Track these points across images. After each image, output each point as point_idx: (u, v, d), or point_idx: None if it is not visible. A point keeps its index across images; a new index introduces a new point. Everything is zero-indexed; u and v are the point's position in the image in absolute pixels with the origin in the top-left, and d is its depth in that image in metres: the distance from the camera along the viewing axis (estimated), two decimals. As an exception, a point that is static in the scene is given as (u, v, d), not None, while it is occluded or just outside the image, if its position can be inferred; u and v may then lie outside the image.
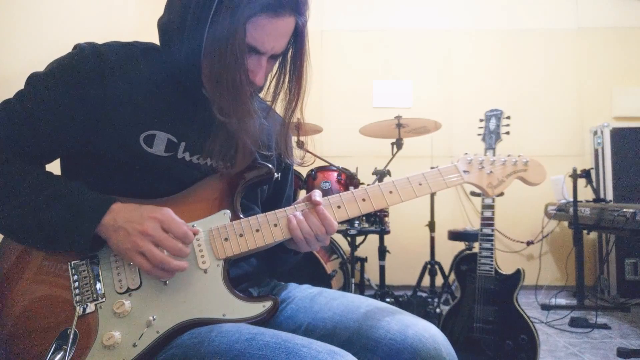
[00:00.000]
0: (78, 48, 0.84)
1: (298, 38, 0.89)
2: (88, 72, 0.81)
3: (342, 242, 2.81)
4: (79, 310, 0.77)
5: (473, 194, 3.24)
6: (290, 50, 0.92)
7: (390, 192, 0.91)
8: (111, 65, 0.82)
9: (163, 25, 0.87)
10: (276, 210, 0.88)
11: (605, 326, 2.64)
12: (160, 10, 0.89)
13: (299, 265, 1.08)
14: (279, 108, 0.96)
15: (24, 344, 0.76)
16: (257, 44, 0.82)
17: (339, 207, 0.90)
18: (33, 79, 0.83)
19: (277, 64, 0.93)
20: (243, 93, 0.82)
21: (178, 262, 0.78)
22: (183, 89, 0.88)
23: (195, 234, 0.81)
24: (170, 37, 0.85)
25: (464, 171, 0.96)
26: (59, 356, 0.73)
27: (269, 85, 0.94)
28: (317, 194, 0.89)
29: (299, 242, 0.87)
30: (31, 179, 0.80)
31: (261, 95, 0.96)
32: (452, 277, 2.79)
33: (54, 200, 0.78)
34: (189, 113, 0.89)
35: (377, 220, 2.45)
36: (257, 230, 0.86)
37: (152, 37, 0.94)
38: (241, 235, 0.85)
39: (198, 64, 0.81)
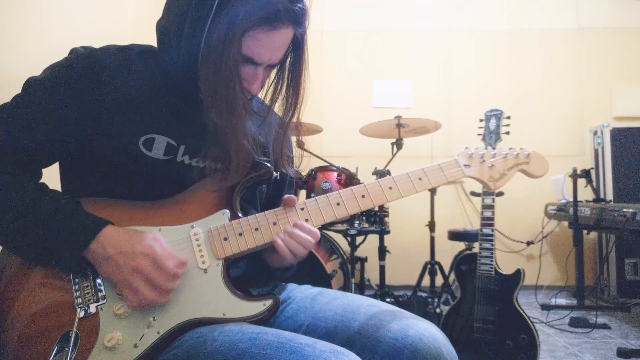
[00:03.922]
0: (74, 53, 0.83)
1: (297, 47, 0.89)
2: (84, 76, 0.81)
3: (342, 242, 2.81)
4: (79, 312, 0.77)
5: (473, 194, 3.23)
6: (289, 58, 0.91)
7: (390, 187, 0.90)
8: (108, 69, 0.82)
9: (161, 29, 0.87)
10: (275, 209, 0.88)
11: (605, 326, 2.64)
12: (158, 15, 0.88)
13: (299, 266, 1.08)
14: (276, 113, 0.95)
15: (27, 347, 0.76)
16: (253, 55, 0.82)
17: (338, 204, 0.89)
18: (30, 84, 0.82)
19: (275, 70, 0.92)
20: (237, 102, 0.82)
21: (166, 298, 0.78)
22: (181, 92, 0.88)
23: (184, 264, 0.81)
24: (168, 41, 0.85)
25: (465, 165, 0.95)
26: (61, 358, 0.73)
27: (267, 91, 0.93)
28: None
29: (288, 257, 0.87)
30: (23, 195, 0.79)
31: (260, 97, 0.96)
32: (452, 277, 2.79)
33: (43, 221, 0.77)
34: (187, 116, 0.89)
35: (377, 220, 2.45)
36: (257, 229, 0.86)
37: (151, 40, 0.94)
38: (240, 235, 0.85)
39: (195, 69, 0.81)
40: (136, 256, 0.77)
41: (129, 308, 0.78)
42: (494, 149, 0.98)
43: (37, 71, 0.85)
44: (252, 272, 0.98)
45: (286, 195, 0.90)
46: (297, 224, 0.87)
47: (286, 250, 0.86)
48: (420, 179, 0.92)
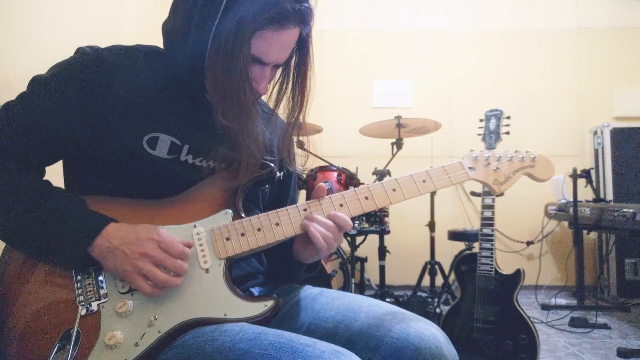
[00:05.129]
0: (80, 52, 0.84)
1: (302, 47, 0.90)
2: (90, 75, 0.81)
3: (342, 242, 2.81)
4: (81, 310, 0.77)
5: (473, 193, 3.24)
6: (294, 58, 0.92)
7: (394, 189, 0.90)
8: (113, 68, 0.82)
9: (167, 30, 0.87)
10: (278, 210, 0.88)
11: (605, 326, 2.64)
12: (160, 15, 0.89)
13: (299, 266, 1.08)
14: (282, 113, 0.96)
15: (29, 344, 0.76)
16: (262, 55, 0.83)
17: (341, 205, 0.89)
18: (35, 82, 0.83)
19: (279, 70, 0.93)
20: (246, 102, 0.82)
21: (179, 280, 0.78)
22: (186, 92, 0.88)
23: (189, 246, 0.81)
24: (174, 42, 0.85)
25: (470, 168, 0.94)
26: (62, 356, 0.73)
27: (272, 91, 0.94)
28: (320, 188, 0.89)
29: (321, 248, 0.86)
30: (28, 192, 0.79)
31: (264, 99, 0.96)
32: (452, 277, 2.79)
33: (47, 219, 0.77)
34: (192, 116, 0.89)
35: (377, 220, 2.45)
36: (259, 230, 0.86)
37: (152, 41, 0.94)
38: (243, 235, 0.85)
39: (202, 70, 0.81)
40: (142, 242, 0.77)
41: (132, 307, 0.78)
42: (496, 150, 0.97)
43: (38, 71, 0.85)
44: (254, 273, 0.99)
45: (317, 186, 0.89)
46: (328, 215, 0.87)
47: (320, 240, 0.84)
48: (424, 181, 0.91)
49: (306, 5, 0.83)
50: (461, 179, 0.93)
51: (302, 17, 0.83)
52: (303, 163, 1.06)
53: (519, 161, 0.95)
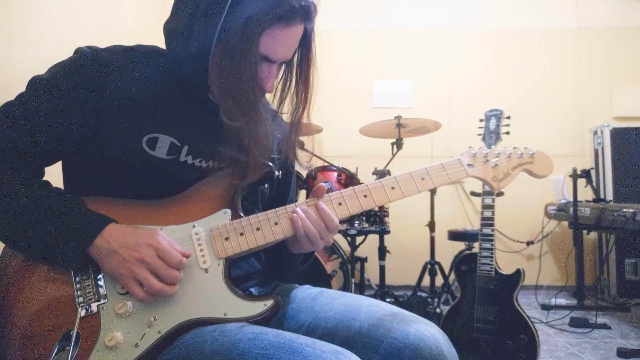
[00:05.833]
0: (79, 52, 0.84)
1: (305, 43, 0.90)
2: (89, 76, 0.81)
3: (342, 242, 2.81)
4: (80, 311, 0.77)
5: (473, 194, 3.23)
6: (297, 55, 0.92)
7: (393, 187, 0.90)
8: (112, 69, 0.82)
9: (169, 30, 0.87)
10: (277, 209, 0.88)
11: (605, 326, 2.64)
12: (160, 15, 0.88)
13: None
14: (285, 112, 0.95)
15: (29, 345, 0.76)
16: (270, 53, 0.83)
17: (340, 204, 0.89)
18: (34, 83, 0.83)
19: (282, 68, 0.93)
20: (256, 101, 0.83)
21: (173, 289, 0.78)
22: (187, 92, 0.88)
23: (187, 256, 0.81)
24: (177, 42, 0.85)
25: (468, 165, 0.94)
26: (62, 357, 0.73)
27: (275, 89, 0.93)
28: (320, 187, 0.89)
29: (302, 240, 0.87)
30: (28, 192, 0.79)
31: (267, 98, 0.96)
32: (452, 277, 2.79)
33: (48, 218, 0.77)
34: (192, 116, 0.89)
35: (377, 220, 2.45)
36: (258, 229, 0.86)
37: (152, 42, 0.94)
38: (242, 234, 0.85)
39: (205, 69, 0.81)
40: (140, 248, 0.77)
41: (131, 308, 0.78)
42: (495, 147, 0.97)
43: (38, 71, 0.85)
44: (253, 272, 0.98)
45: (317, 186, 0.90)
46: (317, 206, 0.87)
47: (301, 231, 0.85)
48: (423, 178, 0.91)
49: (310, 0, 0.83)
50: (460, 175, 0.93)
51: (308, 14, 0.83)
52: (308, 160, 1.06)
53: (518, 157, 0.95)
